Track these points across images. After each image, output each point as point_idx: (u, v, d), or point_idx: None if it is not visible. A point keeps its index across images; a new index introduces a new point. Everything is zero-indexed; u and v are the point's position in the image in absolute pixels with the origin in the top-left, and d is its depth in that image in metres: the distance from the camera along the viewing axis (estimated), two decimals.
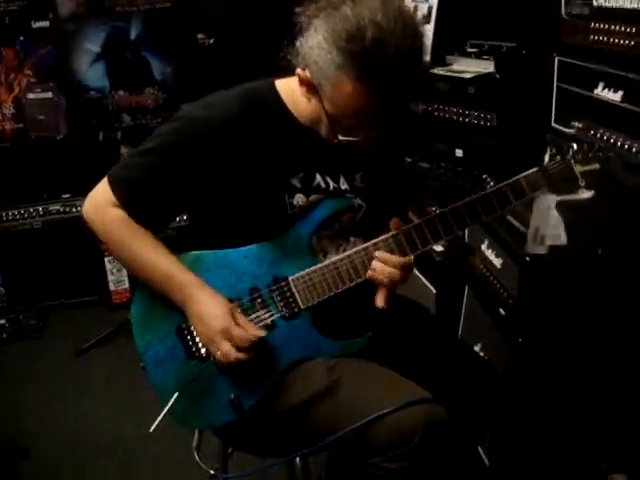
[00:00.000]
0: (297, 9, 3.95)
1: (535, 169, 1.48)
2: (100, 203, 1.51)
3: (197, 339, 1.52)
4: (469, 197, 1.48)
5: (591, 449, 1.85)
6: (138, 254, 1.50)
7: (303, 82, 1.42)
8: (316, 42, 1.33)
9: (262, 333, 1.46)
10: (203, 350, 1.51)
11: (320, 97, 1.39)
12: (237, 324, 1.45)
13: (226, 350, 1.43)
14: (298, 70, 1.41)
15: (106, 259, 3.57)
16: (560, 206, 1.54)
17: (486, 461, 2.12)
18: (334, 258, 1.51)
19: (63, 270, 3.60)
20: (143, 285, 1.55)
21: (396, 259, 1.48)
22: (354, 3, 1.29)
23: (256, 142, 1.49)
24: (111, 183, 1.49)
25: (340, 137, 1.43)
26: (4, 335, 3.47)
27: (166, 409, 1.48)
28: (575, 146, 1.47)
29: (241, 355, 1.43)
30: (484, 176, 2.51)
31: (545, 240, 1.61)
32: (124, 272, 3.61)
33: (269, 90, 1.54)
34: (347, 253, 1.50)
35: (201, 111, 1.49)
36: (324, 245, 1.58)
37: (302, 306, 1.51)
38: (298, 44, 1.39)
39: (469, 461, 1.92)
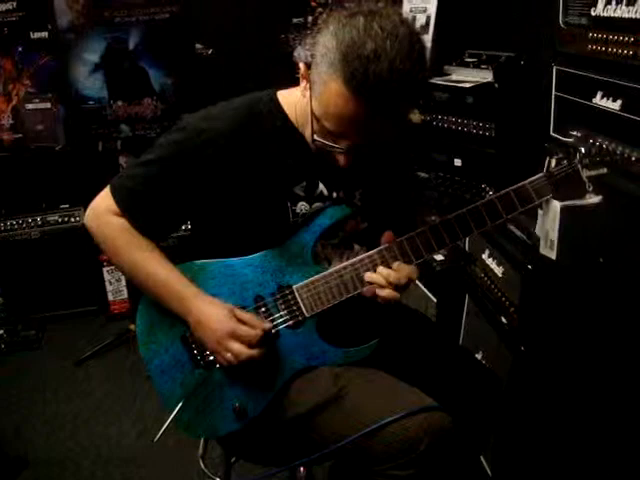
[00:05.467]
0: (295, 19, 4.00)
1: (541, 174, 1.46)
2: (101, 212, 1.51)
3: (202, 347, 1.52)
4: (474, 204, 1.47)
5: (594, 460, 1.85)
6: (137, 263, 1.51)
7: (303, 77, 1.43)
8: (323, 40, 1.34)
9: (268, 325, 1.46)
10: (208, 358, 1.51)
11: (311, 94, 1.39)
12: (242, 322, 1.45)
13: (237, 350, 1.43)
14: (301, 63, 1.41)
15: (105, 269, 3.56)
16: (564, 212, 1.52)
17: (489, 471, 2.12)
18: (338, 266, 1.51)
19: (61, 280, 3.59)
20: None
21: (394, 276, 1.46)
22: (371, 16, 1.29)
23: (258, 152, 1.49)
24: (113, 192, 1.50)
25: (315, 137, 1.42)
26: (2, 346, 3.45)
27: (171, 417, 1.49)
28: (583, 150, 1.44)
29: (253, 352, 1.43)
30: (483, 185, 2.52)
31: (554, 245, 1.60)
32: (123, 282, 3.61)
33: (271, 100, 1.54)
34: (351, 261, 1.50)
35: (203, 122, 1.49)
36: (328, 253, 1.58)
37: (307, 314, 1.51)
38: (311, 39, 1.40)
39: (472, 471, 1.92)
